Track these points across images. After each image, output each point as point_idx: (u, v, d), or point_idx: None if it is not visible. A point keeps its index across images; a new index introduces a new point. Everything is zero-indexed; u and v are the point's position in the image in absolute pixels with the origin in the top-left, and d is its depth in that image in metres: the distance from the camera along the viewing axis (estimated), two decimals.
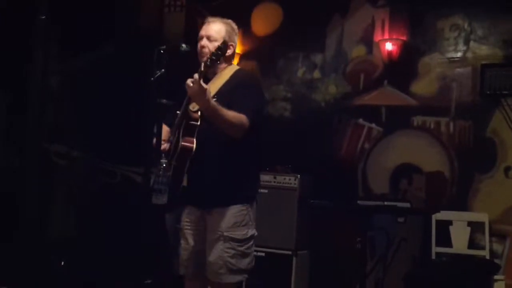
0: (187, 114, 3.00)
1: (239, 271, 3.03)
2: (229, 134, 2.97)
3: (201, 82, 2.79)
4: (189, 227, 3.18)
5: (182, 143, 2.97)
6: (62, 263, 4.96)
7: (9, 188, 5.00)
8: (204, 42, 3.11)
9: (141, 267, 3.31)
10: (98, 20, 5.46)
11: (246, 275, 3.08)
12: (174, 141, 3.06)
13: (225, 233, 3.01)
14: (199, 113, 3.01)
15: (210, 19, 3.20)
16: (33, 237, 5.00)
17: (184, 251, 3.20)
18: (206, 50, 3.08)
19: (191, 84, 2.80)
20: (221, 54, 2.80)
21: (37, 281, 4.79)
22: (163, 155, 3.04)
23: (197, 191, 3.04)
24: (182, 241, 3.21)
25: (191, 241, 3.16)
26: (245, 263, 3.05)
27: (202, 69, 2.81)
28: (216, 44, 2.97)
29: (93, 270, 4.89)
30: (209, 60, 2.80)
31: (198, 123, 3.00)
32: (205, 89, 2.79)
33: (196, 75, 2.79)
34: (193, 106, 3.03)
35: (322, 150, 5.34)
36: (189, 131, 3.00)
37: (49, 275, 4.89)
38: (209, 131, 2.98)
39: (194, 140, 2.99)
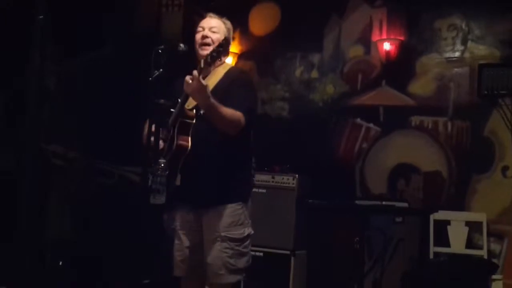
0: (182, 112, 2.98)
1: (238, 270, 3.03)
2: (225, 131, 2.96)
3: (200, 78, 2.78)
4: (183, 227, 3.15)
5: (178, 141, 2.95)
6: (60, 263, 4.95)
7: (6, 189, 4.99)
8: (207, 32, 3.10)
9: (139, 267, 3.31)
10: (96, 20, 5.45)
11: (244, 274, 3.09)
12: (169, 139, 3.02)
13: (222, 233, 3.00)
14: (194, 111, 2.99)
15: (210, 14, 3.19)
16: (31, 238, 4.99)
17: (178, 252, 3.17)
18: (208, 40, 3.08)
19: (190, 81, 2.79)
20: (222, 50, 2.77)
21: (35, 281, 4.78)
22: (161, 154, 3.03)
23: (192, 190, 3.01)
24: (176, 242, 3.18)
25: (186, 242, 3.14)
26: (243, 262, 3.05)
27: (202, 65, 2.80)
28: (218, 36, 3.04)
29: (91, 271, 4.88)
30: (209, 56, 2.78)
31: (194, 121, 2.98)
32: (205, 86, 2.79)
33: (195, 72, 2.78)
34: (188, 104, 3.01)
35: (320, 150, 5.35)
36: (184, 130, 2.97)
37: (47, 275, 4.88)
38: (204, 130, 2.97)
39: (189, 138, 2.96)
